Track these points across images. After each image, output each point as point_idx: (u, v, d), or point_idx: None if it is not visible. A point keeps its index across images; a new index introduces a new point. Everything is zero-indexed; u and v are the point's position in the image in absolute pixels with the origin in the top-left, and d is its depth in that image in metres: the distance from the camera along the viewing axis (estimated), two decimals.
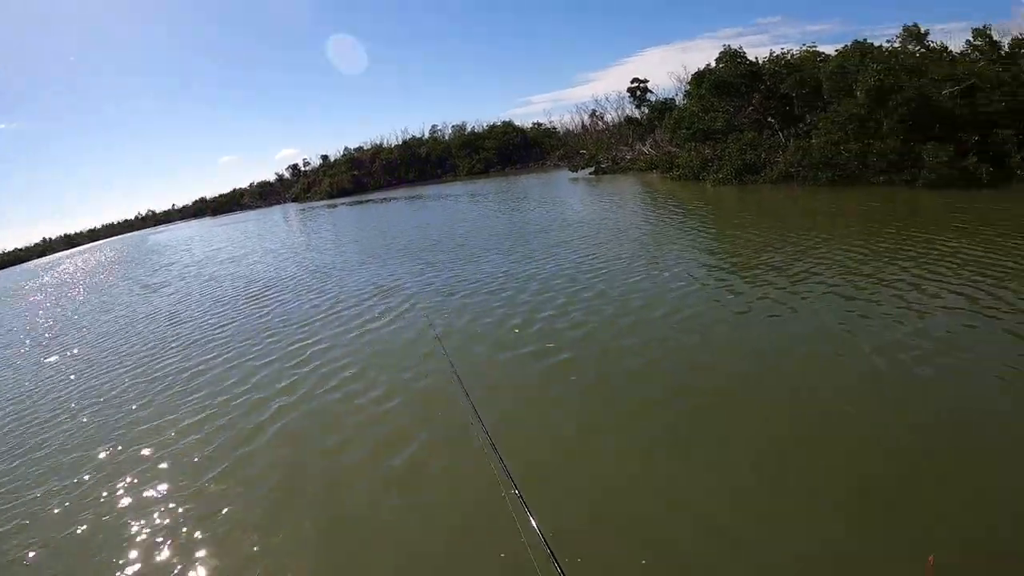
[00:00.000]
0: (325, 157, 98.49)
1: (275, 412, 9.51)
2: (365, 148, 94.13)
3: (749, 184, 28.34)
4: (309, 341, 12.78)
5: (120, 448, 9.51)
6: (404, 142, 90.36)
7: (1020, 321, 8.91)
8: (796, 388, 7.90)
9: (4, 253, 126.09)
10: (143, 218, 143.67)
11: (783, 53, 32.25)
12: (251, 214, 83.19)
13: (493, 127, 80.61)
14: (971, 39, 25.60)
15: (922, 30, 27.23)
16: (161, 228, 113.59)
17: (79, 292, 31.91)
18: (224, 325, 15.85)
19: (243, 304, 17.99)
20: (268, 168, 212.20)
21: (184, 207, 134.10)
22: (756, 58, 33.05)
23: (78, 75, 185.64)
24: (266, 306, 17.04)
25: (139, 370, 13.51)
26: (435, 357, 10.51)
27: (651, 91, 50.97)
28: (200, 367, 12.62)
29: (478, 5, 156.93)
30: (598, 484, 6.50)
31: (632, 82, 50.87)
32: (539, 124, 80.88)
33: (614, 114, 60.22)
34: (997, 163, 21.37)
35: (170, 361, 13.67)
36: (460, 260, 18.93)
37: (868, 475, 5.94)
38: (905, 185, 22.28)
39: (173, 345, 14.98)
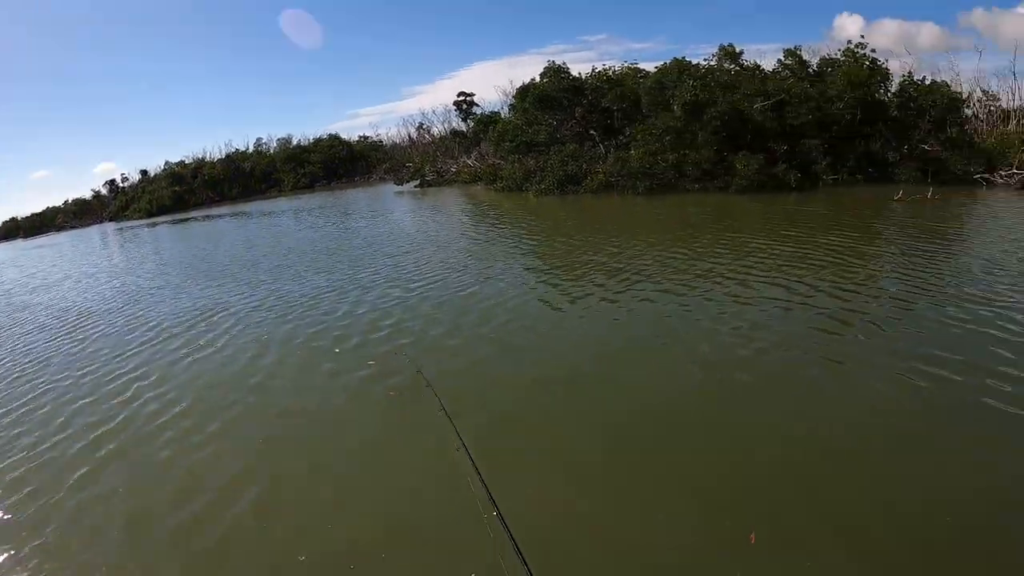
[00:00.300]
0: (144, 172, 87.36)
1: (106, 456, 7.83)
2: (187, 163, 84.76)
3: (571, 194, 26.78)
4: (135, 375, 10.79)
5: None
6: (228, 156, 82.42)
7: (841, 308, 9.22)
8: (638, 388, 7.51)
9: None
10: None
11: (605, 69, 31.59)
12: (66, 235, 72.53)
13: (319, 140, 75.68)
14: (782, 58, 25.99)
15: (737, 50, 27.51)
16: None
17: None
18: (41, 360, 12.98)
19: (61, 336, 14.92)
20: (85, 184, 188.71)
21: None
22: (580, 73, 32.08)
23: None
24: (86, 336, 14.29)
25: None
26: (269, 384, 9.31)
27: (477, 104, 49.50)
28: (17, 410, 10.08)
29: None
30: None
31: (459, 95, 49.24)
32: (366, 137, 77.41)
33: (441, 127, 57.65)
34: (804, 170, 21.24)
35: None
36: (287, 280, 16.66)
37: (706, 467, 5.74)
38: (719, 191, 21.63)
39: None
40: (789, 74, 25.46)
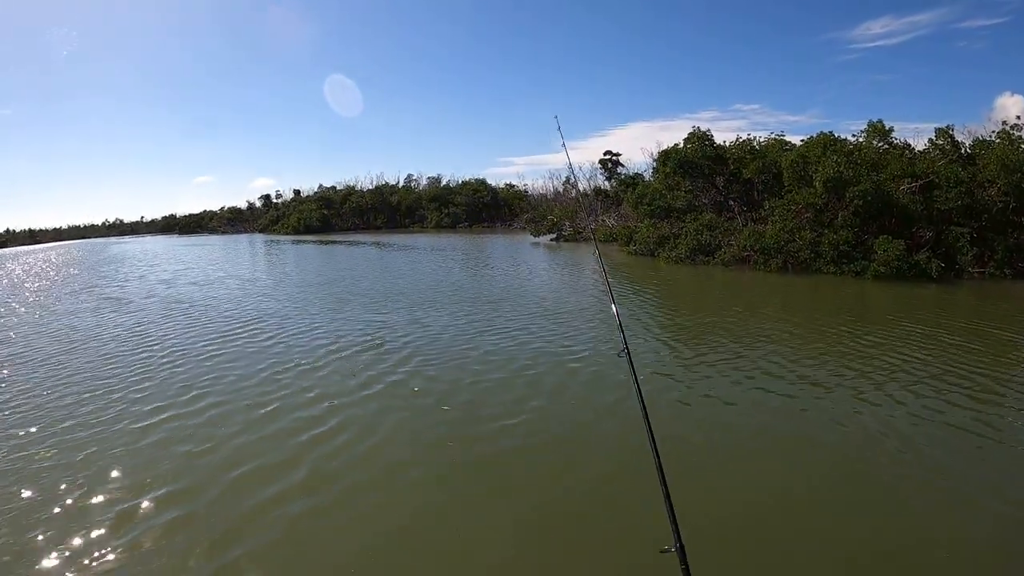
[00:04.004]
0: (297, 192, 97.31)
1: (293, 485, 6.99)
2: (338, 188, 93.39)
3: (701, 264, 27.58)
4: (324, 400, 9.94)
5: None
6: (377, 187, 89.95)
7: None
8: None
9: None
10: (110, 225, 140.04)
11: (749, 139, 32.25)
12: (218, 239, 79.76)
13: (466, 183, 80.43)
14: (933, 138, 25.53)
15: (886, 127, 27.29)
16: (127, 239, 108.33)
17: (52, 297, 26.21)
18: (213, 357, 12.93)
19: (222, 337, 15.07)
20: (241, 194, 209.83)
21: (153, 221, 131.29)
22: (724, 141, 33.07)
23: (65, 64, 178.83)
24: (253, 343, 14.21)
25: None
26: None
27: (623, 164, 51.27)
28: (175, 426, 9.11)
29: (478, 75, 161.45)
30: None
31: (605, 154, 51.35)
32: (511, 185, 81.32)
33: (586, 183, 59.72)
34: (948, 259, 20.93)
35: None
36: (451, 321, 16.04)
37: None
38: (854, 276, 21.78)
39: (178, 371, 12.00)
40: (939, 154, 25.02)
